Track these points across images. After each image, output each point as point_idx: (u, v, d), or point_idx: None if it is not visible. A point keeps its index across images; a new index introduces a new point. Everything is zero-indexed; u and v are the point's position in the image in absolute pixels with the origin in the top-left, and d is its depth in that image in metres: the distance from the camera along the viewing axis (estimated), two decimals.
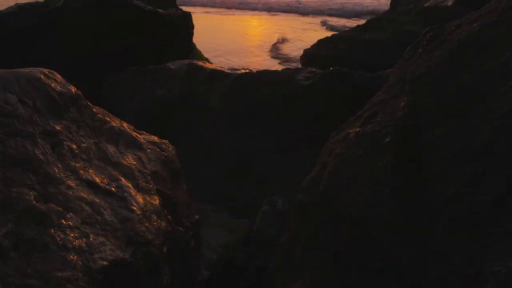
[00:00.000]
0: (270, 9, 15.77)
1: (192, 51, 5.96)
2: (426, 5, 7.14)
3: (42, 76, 1.25)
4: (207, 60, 6.38)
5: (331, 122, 3.66)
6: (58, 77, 1.34)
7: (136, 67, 4.27)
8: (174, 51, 5.08)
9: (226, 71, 4.06)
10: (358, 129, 1.14)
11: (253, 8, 16.11)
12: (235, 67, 7.81)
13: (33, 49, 4.49)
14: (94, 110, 1.46)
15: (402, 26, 6.34)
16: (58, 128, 1.23)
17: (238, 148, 3.90)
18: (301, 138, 3.89)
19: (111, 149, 1.41)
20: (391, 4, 11.66)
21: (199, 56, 6.37)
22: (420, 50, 1.20)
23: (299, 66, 6.76)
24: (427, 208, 0.84)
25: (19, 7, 4.66)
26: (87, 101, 1.44)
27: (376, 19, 6.86)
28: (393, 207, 0.89)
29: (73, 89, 1.36)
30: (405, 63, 1.26)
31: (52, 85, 1.27)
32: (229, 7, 16.54)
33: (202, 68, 4.05)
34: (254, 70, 4.16)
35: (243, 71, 4.10)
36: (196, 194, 3.70)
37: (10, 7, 4.65)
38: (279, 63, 8.31)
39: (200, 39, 7.11)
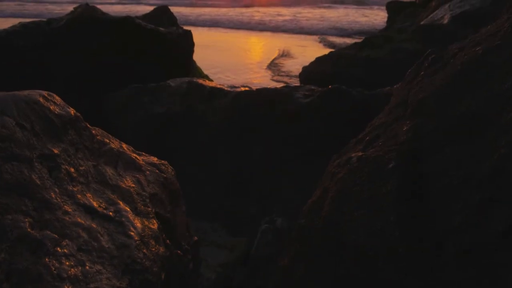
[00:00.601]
0: (267, 29, 15.96)
1: (193, 69, 5.99)
2: (422, 23, 7.23)
3: (41, 99, 1.24)
4: (207, 77, 6.41)
5: (330, 139, 3.66)
6: (57, 99, 1.33)
7: (136, 85, 4.28)
8: (174, 69, 5.11)
9: (226, 88, 4.07)
10: (360, 154, 1.12)
11: (250, 28, 16.32)
12: (235, 84, 7.85)
13: (37, 66, 4.52)
14: (93, 132, 1.44)
15: (399, 43, 6.40)
16: (56, 151, 1.21)
17: (237, 165, 3.88)
18: (301, 155, 3.87)
19: (109, 171, 1.39)
20: (387, 21, 11.82)
21: (200, 73, 6.40)
22: (422, 73, 1.20)
23: (298, 82, 6.80)
24: (433, 237, 0.82)
25: (23, 26, 4.70)
26: (86, 123, 1.42)
27: (373, 37, 6.93)
28: (397, 236, 0.87)
29: (72, 111, 1.35)
30: (406, 85, 1.25)
31: (51, 107, 1.26)
32: (226, 26, 16.73)
33: (202, 86, 4.06)
34: (254, 88, 4.17)
35: (242, 88, 4.11)
36: (194, 211, 3.67)
37: (15, 26, 4.70)
38: (278, 80, 8.36)
39: (200, 56, 7.16)
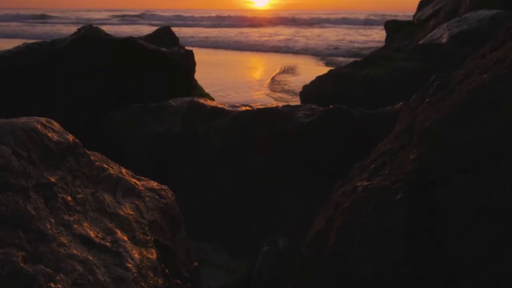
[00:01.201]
0: (266, 50, 16.14)
1: (194, 88, 6.01)
2: (421, 42, 7.29)
3: (39, 126, 1.21)
4: (208, 95, 6.42)
5: (331, 159, 3.64)
6: (56, 125, 1.30)
7: (138, 104, 4.28)
8: (176, 88, 5.13)
9: (227, 108, 4.06)
10: (366, 183, 1.09)
11: (249, 49, 16.50)
12: (236, 102, 7.88)
13: (40, 85, 4.54)
14: (92, 158, 1.41)
15: (398, 63, 6.43)
16: (53, 179, 1.17)
17: (238, 185, 3.84)
18: (302, 176, 3.84)
19: (108, 198, 1.36)
20: (386, 40, 11.95)
21: (201, 92, 6.42)
22: (427, 100, 1.17)
23: (298, 100, 6.81)
24: (445, 274, 0.78)
25: (26, 46, 4.74)
26: (84, 149, 1.39)
27: (373, 56, 6.98)
28: (408, 272, 0.83)
29: (70, 138, 1.32)
30: (411, 111, 1.23)
31: (49, 135, 1.23)
32: (225, 47, 16.89)
33: (203, 106, 4.05)
34: (255, 106, 4.17)
35: (243, 108, 4.10)
36: (194, 232, 3.61)
37: (18, 47, 4.75)
38: (278, 98, 8.39)
39: (201, 74, 7.20)
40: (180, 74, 5.36)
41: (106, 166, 1.47)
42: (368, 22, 31.18)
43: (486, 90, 0.98)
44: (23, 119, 1.20)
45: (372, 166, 1.18)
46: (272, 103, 8.05)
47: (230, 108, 4.09)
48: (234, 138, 3.83)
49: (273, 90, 9.12)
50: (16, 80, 4.45)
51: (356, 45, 17.85)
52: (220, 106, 4.16)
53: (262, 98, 8.56)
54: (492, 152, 0.90)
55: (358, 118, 3.60)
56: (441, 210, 0.89)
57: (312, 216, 3.35)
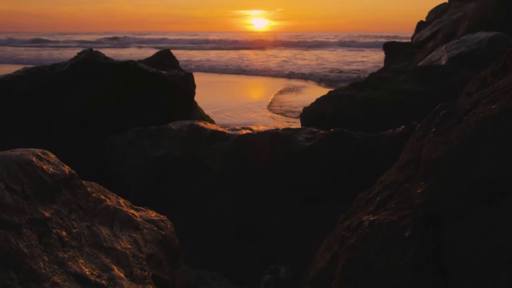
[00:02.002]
0: (266, 74, 16.27)
1: (194, 110, 6.01)
2: (420, 64, 7.35)
3: (33, 159, 1.18)
4: (208, 117, 6.42)
5: (333, 183, 3.59)
6: (52, 157, 1.27)
7: (137, 128, 4.26)
8: (176, 111, 5.13)
9: (227, 132, 4.04)
10: (372, 218, 1.05)
11: (248, 73, 16.60)
12: (236, 124, 7.89)
13: (40, 109, 4.53)
14: (89, 189, 1.37)
15: (397, 84, 6.47)
16: (47, 214, 1.13)
17: (238, 210, 3.78)
18: (303, 199, 3.78)
19: (104, 232, 1.31)
20: (385, 61, 12.07)
21: (201, 113, 6.42)
22: (433, 129, 1.15)
23: (298, 121, 6.81)
24: None
25: (26, 71, 4.78)
26: (81, 180, 1.35)
27: (372, 78, 7.02)
28: None
29: (66, 169, 1.29)
30: (417, 141, 1.20)
31: (44, 167, 1.19)
32: (224, 72, 16.97)
33: (203, 129, 4.03)
34: (254, 128, 4.15)
35: (243, 131, 4.08)
36: (194, 259, 3.53)
37: (18, 71, 4.79)
38: (279, 119, 8.40)
39: (200, 96, 7.22)
40: (180, 97, 5.37)
41: (103, 197, 1.43)
42: (367, 45, 31.51)
43: (494, 121, 0.95)
44: (18, 152, 1.17)
45: (378, 198, 1.14)
46: (273, 124, 8.05)
47: (230, 132, 4.07)
48: (234, 162, 3.79)
49: (273, 111, 9.14)
50: (16, 104, 4.45)
51: (355, 67, 18.04)
52: (220, 129, 4.14)
53: (262, 119, 8.57)
54: (503, 187, 0.86)
55: (359, 141, 3.57)
56: (451, 248, 0.84)
57: (314, 244, 3.28)
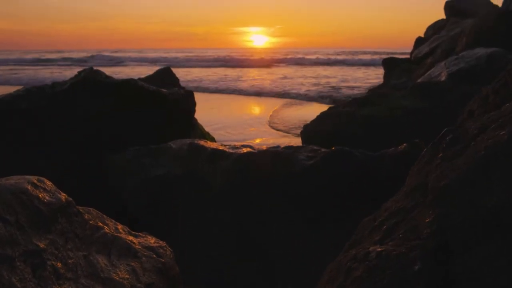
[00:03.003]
0: (266, 91, 16.24)
1: (194, 127, 6.00)
2: (419, 80, 7.39)
3: (29, 187, 1.14)
4: (208, 134, 6.41)
5: (334, 201, 3.55)
6: (48, 184, 1.24)
7: (137, 147, 4.24)
8: (177, 128, 5.11)
9: (227, 150, 4.01)
10: (379, 249, 1.01)
11: (247, 90, 16.60)
12: (236, 140, 7.87)
13: (40, 128, 4.52)
14: (86, 216, 1.33)
15: (397, 101, 6.48)
16: (42, 245, 1.09)
17: (239, 230, 3.73)
18: (305, 219, 3.73)
19: (102, 261, 1.27)
20: (384, 77, 12.15)
21: (201, 130, 6.41)
22: (440, 155, 1.12)
23: (298, 137, 6.79)
24: None
25: (26, 90, 4.79)
26: (78, 208, 1.32)
27: (372, 94, 7.04)
28: None
29: (63, 197, 1.25)
30: (423, 166, 1.17)
31: (40, 195, 1.16)
32: (222, 92, 16.92)
33: (203, 148, 4.01)
34: (255, 145, 4.12)
35: (244, 150, 4.05)
36: (193, 282, 3.45)
37: (19, 90, 4.80)
38: (279, 136, 8.38)
39: (200, 113, 7.23)
40: (181, 115, 5.36)
41: (101, 224, 1.39)
42: (364, 62, 31.69)
43: (504, 148, 0.93)
44: (13, 180, 1.14)
45: (385, 227, 1.10)
46: (273, 140, 8.03)
47: (231, 150, 4.05)
48: (235, 181, 3.76)
49: (274, 128, 9.13)
50: (17, 123, 4.44)
51: (353, 83, 18.14)
52: (220, 148, 4.11)
53: (262, 135, 8.56)
54: None
55: (361, 160, 3.54)
56: (463, 282, 0.80)
57: (316, 263, 3.21)
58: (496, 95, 2.78)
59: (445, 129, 1.20)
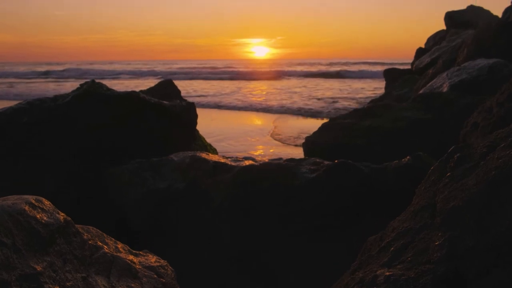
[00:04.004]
0: (267, 102, 16.18)
1: (196, 139, 5.99)
2: (421, 91, 7.38)
3: (26, 208, 1.12)
4: (210, 145, 6.39)
5: (337, 214, 3.51)
6: (46, 204, 1.21)
7: (138, 160, 4.22)
8: (178, 140, 5.10)
9: (229, 163, 3.99)
10: (388, 273, 0.97)
11: (248, 102, 16.51)
12: (238, 151, 7.84)
13: (41, 141, 4.51)
14: (85, 236, 1.30)
15: (399, 112, 6.46)
16: (39, 268, 1.06)
17: (241, 243, 3.68)
18: (307, 232, 3.69)
19: (101, 283, 1.23)
20: (385, 88, 12.16)
21: (203, 142, 6.39)
22: (448, 174, 1.09)
23: (300, 147, 6.76)
24: None
25: (28, 103, 4.78)
26: (77, 227, 1.29)
27: (374, 105, 7.02)
28: None
29: (61, 217, 1.22)
30: (431, 186, 1.14)
31: (38, 216, 1.13)
32: (222, 107, 16.86)
33: (205, 161, 3.98)
34: (257, 160, 4.09)
35: (246, 162, 4.02)
36: None
37: (20, 103, 4.79)
38: (281, 147, 8.36)
39: (202, 124, 7.24)
40: (182, 127, 5.35)
41: (101, 244, 1.35)
42: (366, 74, 31.67)
43: None
44: (10, 201, 1.11)
45: (392, 248, 1.06)
46: (274, 151, 8.01)
47: (233, 163, 4.02)
48: (237, 194, 3.72)
49: (275, 139, 9.11)
50: (18, 136, 4.44)
51: (354, 95, 18.18)
52: (222, 161, 4.09)
53: (264, 147, 8.53)
54: None
55: (364, 173, 3.51)
56: None
57: (318, 279, 3.15)
58: (501, 108, 2.76)
59: (453, 147, 1.18)
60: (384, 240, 1.15)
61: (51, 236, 1.15)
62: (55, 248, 1.15)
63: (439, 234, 0.95)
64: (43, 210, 1.18)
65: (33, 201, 1.17)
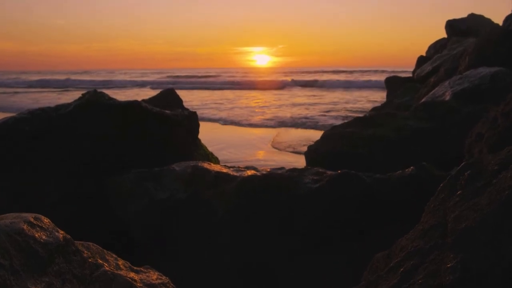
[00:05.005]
0: (268, 111, 16.14)
1: (198, 148, 5.96)
2: (424, 100, 7.35)
3: (25, 227, 1.09)
4: (211, 154, 6.36)
5: (340, 225, 3.47)
6: (45, 222, 1.18)
7: (140, 170, 4.20)
8: (180, 150, 5.08)
9: (232, 173, 3.96)
10: None
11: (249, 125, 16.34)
12: (240, 160, 7.81)
13: (43, 151, 4.49)
14: (85, 254, 1.27)
15: (402, 121, 6.43)
16: None
17: (244, 253, 3.64)
18: (311, 243, 3.65)
19: None
20: (387, 96, 12.14)
21: (204, 151, 6.37)
22: (459, 192, 1.06)
23: (302, 156, 6.72)
24: None
25: (30, 113, 4.77)
26: (77, 245, 1.26)
27: (376, 114, 7.00)
28: None
29: (61, 235, 1.19)
30: (441, 203, 1.11)
31: (36, 235, 1.10)
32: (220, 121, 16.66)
33: (207, 171, 3.95)
34: (260, 169, 4.07)
35: (248, 172, 3.99)
36: None
37: (22, 113, 4.78)
38: (283, 156, 8.32)
39: (204, 133, 7.22)
40: (184, 136, 5.33)
41: (101, 262, 1.32)
42: (367, 84, 31.54)
43: None
44: (8, 220, 1.08)
45: (402, 269, 1.03)
46: (276, 159, 7.97)
47: (235, 173, 3.99)
48: (240, 204, 3.69)
49: (277, 148, 9.08)
50: (20, 146, 4.42)
51: (354, 104, 18.19)
52: (224, 170, 4.06)
53: (266, 155, 8.50)
54: None
55: (367, 183, 3.47)
56: None
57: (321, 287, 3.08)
58: (506, 118, 2.73)
59: (463, 163, 1.15)
60: (392, 259, 1.11)
61: (50, 256, 1.12)
62: (54, 268, 1.12)
63: (451, 255, 0.92)
64: (42, 228, 1.15)
65: (32, 220, 1.14)
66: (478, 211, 0.95)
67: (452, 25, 12.68)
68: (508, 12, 8.73)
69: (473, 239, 0.91)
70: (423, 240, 1.07)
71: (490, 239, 0.88)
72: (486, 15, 13.29)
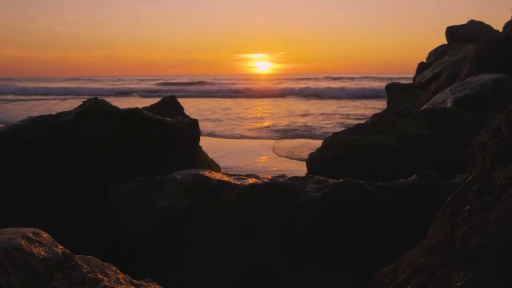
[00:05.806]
0: (269, 117, 16.11)
1: (199, 155, 5.94)
2: (425, 107, 7.34)
3: (23, 242, 1.06)
4: (212, 161, 6.34)
5: (343, 234, 3.44)
6: (44, 237, 1.16)
7: (140, 178, 4.17)
8: (181, 157, 5.06)
9: (233, 181, 3.94)
10: None
11: (249, 118, 16.36)
12: (241, 167, 7.78)
13: (43, 159, 4.48)
14: (84, 269, 1.24)
15: (403, 128, 6.41)
16: None
17: (245, 263, 3.61)
18: (312, 252, 3.62)
19: None
20: (388, 103, 12.14)
21: (205, 158, 6.34)
22: (467, 207, 1.03)
23: (304, 163, 6.69)
24: None
25: (31, 120, 4.77)
26: (76, 260, 1.23)
27: (377, 121, 6.98)
28: None
29: (60, 250, 1.17)
30: (448, 218, 1.08)
31: (35, 251, 1.08)
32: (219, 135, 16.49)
33: (208, 179, 3.94)
34: (261, 177, 4.04)
35: (249, 180, 3.97)
36: None
37: (23, 120, 4.78)
38: (284, 163, 8.30)
39: (204, 140, 7.21)
40: (185, 143, 5.32)
41: (101, 277, 1.29)
42: (367, 92, 31.34)
43: None
44: (6, 235, 1.06)
45: (409, 287, 1.00)
46: (278, 165, 7.95)
47: (236, 181, 3.97)
48: (241, 213, 3.66)
49: (278, 154, 9.05)
50: (20, 154, 4.41)
51: (356, 112, 18.20)
52: (225, 179, 4.04)
53: (266, 162, 8.48)
54: None
55: (370, 192, 3.44)
56: None
57: None
58: (510, 127, 2.71)
59: (471, 177, 1.12)
60: (399, 275, 1.08)
61: (49, 272, 1.09)
62: (53, 284, 1.09)
63: (461, 274, 0.89)
64: (41, 244, 1.12)
65: (30, 235, 1.11)
66: (487, 227, 0.93)
67: (452, 32, 12.71)
68: (508, 19, 8.75)
69: (483, 256, 0.88)
70: (430, 256, 1.04)
71: (500, 256, 0.85)
72: (486, 22, 13.33)
